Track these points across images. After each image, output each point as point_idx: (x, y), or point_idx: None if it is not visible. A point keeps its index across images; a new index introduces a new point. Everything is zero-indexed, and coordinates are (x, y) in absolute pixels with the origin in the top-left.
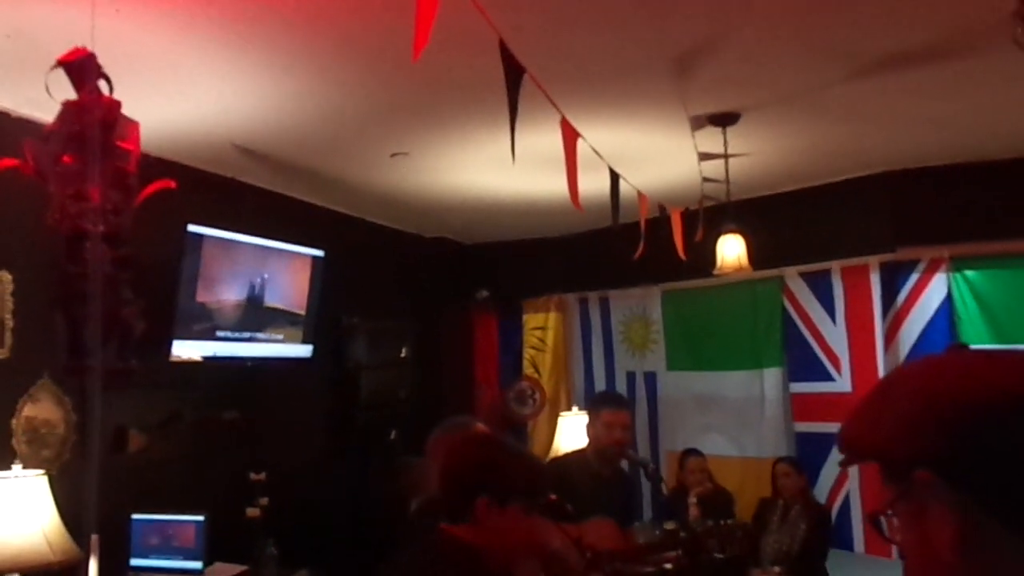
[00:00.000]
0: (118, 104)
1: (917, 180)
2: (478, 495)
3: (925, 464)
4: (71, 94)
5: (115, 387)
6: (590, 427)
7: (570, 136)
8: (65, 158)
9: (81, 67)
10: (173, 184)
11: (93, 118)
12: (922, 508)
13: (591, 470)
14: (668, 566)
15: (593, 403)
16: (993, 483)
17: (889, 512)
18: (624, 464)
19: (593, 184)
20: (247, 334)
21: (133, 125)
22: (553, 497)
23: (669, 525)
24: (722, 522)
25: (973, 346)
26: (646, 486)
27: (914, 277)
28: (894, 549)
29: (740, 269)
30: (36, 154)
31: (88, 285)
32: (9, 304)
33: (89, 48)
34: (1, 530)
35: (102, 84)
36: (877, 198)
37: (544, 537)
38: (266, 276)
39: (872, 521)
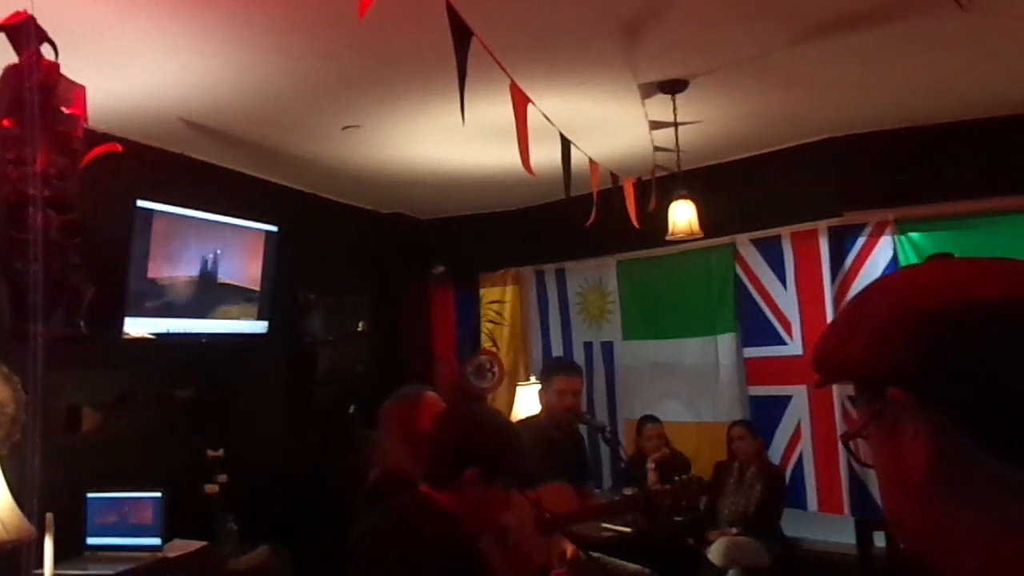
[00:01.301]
0: (57, 67)
1: (861, 145)
2: (468, 467)
3: (898, 382)
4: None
5: (63, 353)
6: (543, 394)
7: (520, 101)
8: (4, 122)
9: (20, 30)
10: (120, 148)
11: (32, 81)
12: (895, 428)
13: (545, 435)
14: (627, 529)
15: (545, 370)
16: (967, 399)
17: (864, 434)
18: (582, 429)
19: (547, 155)
20: (200, 311)
21: (79, 89)
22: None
23: (628, 491)
24: (676, 478)
25: None
26: (606, 452)
27: (861, 240)
28: (846, 505)
29: (692, 234)
30: None
31: (32, 251)
32: None
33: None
34: None
35: (47, 49)
36: (823, 163)
37: (512, 513)
38: (219, 252)
39: (845, 443)
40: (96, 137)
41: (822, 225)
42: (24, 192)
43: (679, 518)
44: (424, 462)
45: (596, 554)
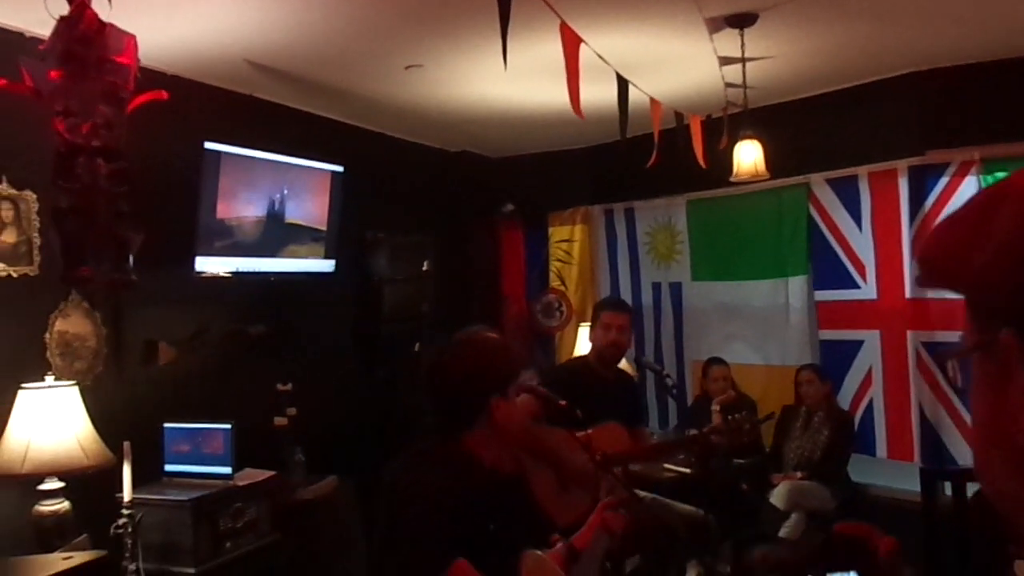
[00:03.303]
0: (96, 16)
1: (947, 79)
2: (489, 397)
3: (1017, 323)
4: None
5: (114, 295)
6: (590, 332)
7: (571, 40)
8: (53, 74)
9: None
10: (165, 95)
11: (80, 32)
12: (1006, 372)
13: (595, 374)
14: (685, 470)
15: (595, 307)
16: None
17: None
18: (632, 369)
19: (611, 93)
20: (269, 250)
21: (129, 39)
22: (563, 403)
23: (693, 433)
24: (729, 417)
25: None
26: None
27: (943, 181)
28: (916, 453)
29: (757, 175)
30: (32, 72)
31: (82, 200)
32: (35, 223)
33: None
34: (37, 436)
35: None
36: (905, 100)
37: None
38: (286, 192)
39: (939, 362)
40: (164, 79)
41: (902, 165)
42: (73, 142)
43: (740, 461)
44: (442, 413)
45: (647, 494)
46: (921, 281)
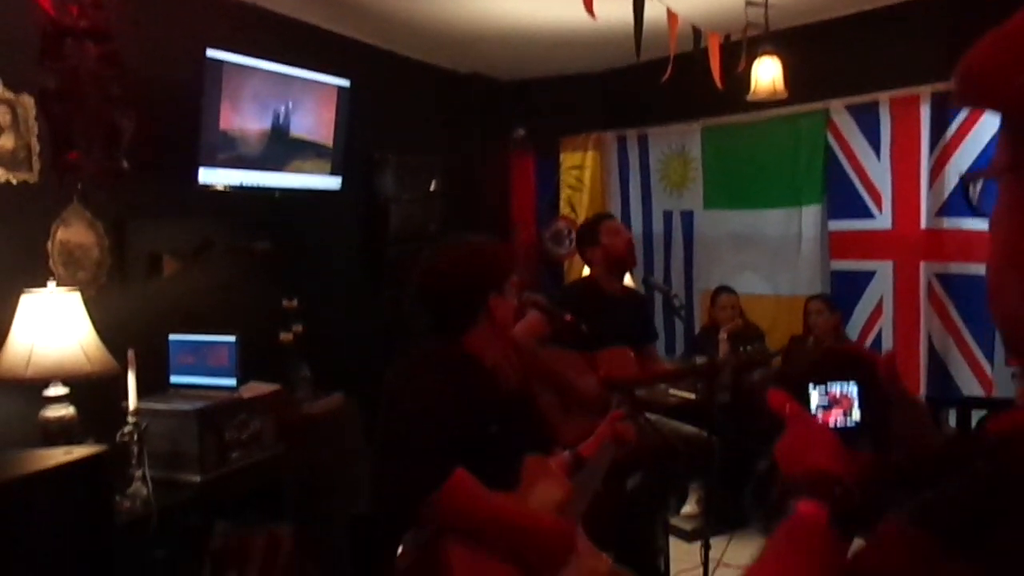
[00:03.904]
0: None
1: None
2: (487, 296)
3: None
4: None
5: (105, 185)
6: (595, 249)
7: None
8: None
9: None
10: None
11: None
12: None
13: (603, 293)
14: (690, 395)
15: (588, 226)
16: None
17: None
18: (641, 287)
19: (628, 10)
20: (274, 164)
21: None
22: (569, 317)
23: (700, 360)
24: (742, 348)
25: None
26: (680, 323)
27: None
28: (922, 385)
29: (775, 95)
30: None
31: (70, 83)
32: (34, 128)
33: None
34: (41, 341)
35: None
36: (930, 21)
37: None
38: (290, 105)
39: (965, 183)
40: None
41: (925, 90)
42: (60, 22)
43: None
44: (439, 315)
45: (652, 416)
46: (957, 97)
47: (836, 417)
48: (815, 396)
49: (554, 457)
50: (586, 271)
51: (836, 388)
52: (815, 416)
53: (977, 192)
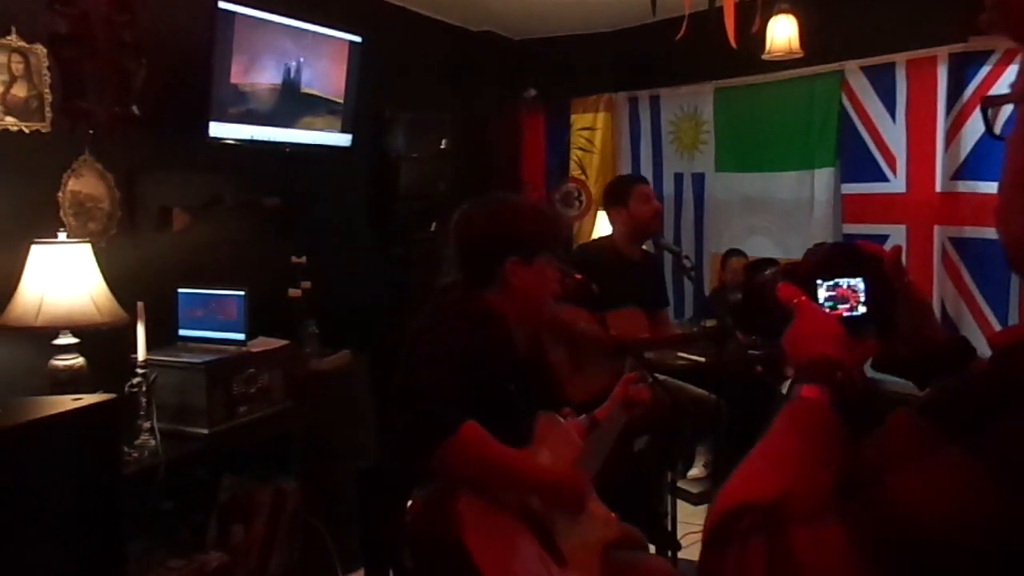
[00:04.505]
0: None
1: None
2: (506, 257)
3: None
4: None
5: (116, 132)
6: (621, 210)
7: None
8: None
9: None
10: None
11: None
12: None
13: (621, 255)
14: (700, 358)
15: (620, 184)
16: None
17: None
18: (652, 248)
19: None
20: (284, 119)
21: None
22: (579, 276)
23: (709, 323)
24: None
25: None
26: (689, 285)
27: (985, 70)
28: None
29: (791, 53)
30: None
31: (81, 27)
32: (46, 78)
33: None
34: (51, 291)
35: None
36: None
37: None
38: (302, 60)
39: (984, 108)
40: None
41: (943, 51)
42: None
43: (755, 352)
44: (463, 266)
45: (662, 376)
46: (986, 23)
47: (843, 309)
48: (823, 290)
49: (569, 421)
50: (597, 232)
51: (844, 283)
52: (822, 307)
53: (995, 117)
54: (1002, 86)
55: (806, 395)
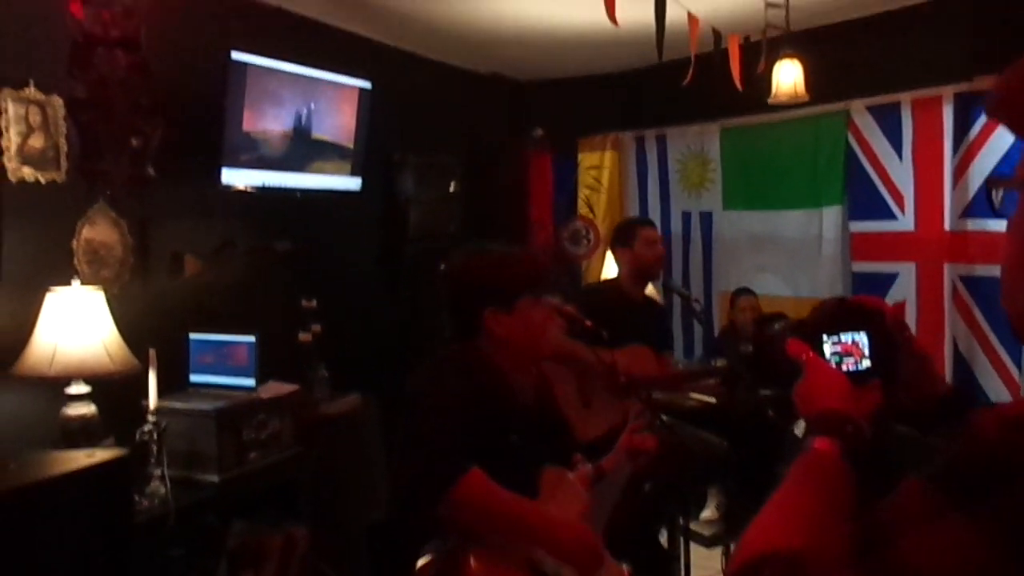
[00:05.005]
0: None
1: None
2: (482, 309)
3: None
4: None
5: (134, 193)
6: (626, 251)
7: None
8: None
9: None
10: None
11: None
12: None
13: (626, 298)
14: (711, 399)
15: (626, 227)
16: None
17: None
18: (660, 290)
19: (649, 13)
20: (295, 165)
21: None
22: (588, 323)
23: (719, 363)
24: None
25: None
26: (698, 326)
27: None
28: None
29: (796, 97)
30: None
31: (99, 92)
32: (63, 129)
33: None
34: (64, 339)
35: None
36: (953, 20)
37: (555, 326)
38: (313, 107)
39: (990, 187)
40: None
41: (948, 91)
42: (91, 32)
43: (767, 392)
44: (448, 320)
45: (668, 419)
46: (990, 110)
47: (848, 364)
48: (828, 345)
49: (575, 471)
50: (606, 273)
51: (848, 337)
52: (829, 363)
53: (1000, 197)
54: (1006, 136)
55: (819, 447)
